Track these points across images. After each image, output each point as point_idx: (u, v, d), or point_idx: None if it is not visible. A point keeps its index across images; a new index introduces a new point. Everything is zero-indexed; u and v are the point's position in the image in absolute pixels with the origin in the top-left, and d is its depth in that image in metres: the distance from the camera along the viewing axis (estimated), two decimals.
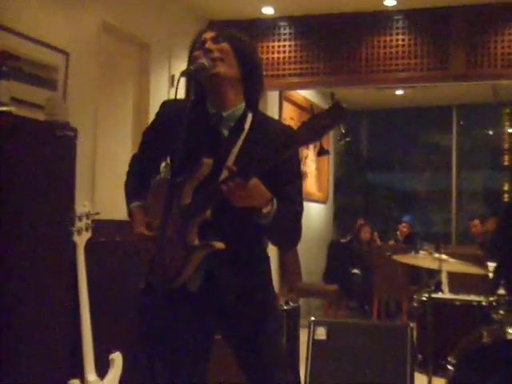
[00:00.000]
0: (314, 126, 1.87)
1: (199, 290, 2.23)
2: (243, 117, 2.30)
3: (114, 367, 3.75)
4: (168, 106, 2.43)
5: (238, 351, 2.38)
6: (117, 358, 3.77)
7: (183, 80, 2.25)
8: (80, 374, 3.61)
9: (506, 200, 10.59)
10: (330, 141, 10.24)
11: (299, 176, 2.35)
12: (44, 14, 4.54)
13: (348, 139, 1.94)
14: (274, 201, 2.11)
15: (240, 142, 2.25)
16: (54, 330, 3.67)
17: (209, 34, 2.31)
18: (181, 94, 2.20)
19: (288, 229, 2.25)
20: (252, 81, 2.33)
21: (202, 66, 2.21)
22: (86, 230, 3.78)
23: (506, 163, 10.79)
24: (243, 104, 2.31)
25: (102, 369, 3.71)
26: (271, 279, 2.42)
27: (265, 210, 2.09)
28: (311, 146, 9.60)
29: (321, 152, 2.01)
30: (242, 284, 2.28)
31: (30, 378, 3.46)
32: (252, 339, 2.32)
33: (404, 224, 9.83)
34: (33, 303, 3.55)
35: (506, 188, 10.78)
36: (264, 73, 2.46)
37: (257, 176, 2.01)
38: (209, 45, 2.27)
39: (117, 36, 5.45)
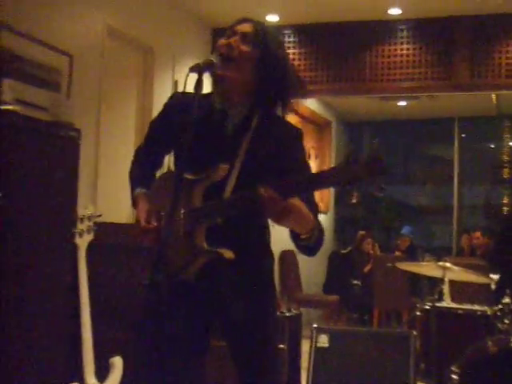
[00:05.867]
0: (351, 172, 1.80)
1: (196, 279, 2.17)
2: (249, 116, 2.25)
3: (114, 371, 3.69)
4: (177, 99, 2.40)
5: (233, 348, 2.33)
6: (117, 361, 3.72)
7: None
8: (80, 377, 3.55)
9: (505, 213, 10.57)
10: (331, 153, 10.23)
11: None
12: (49, 16, 4.53)
13: (383, 194, 1.87)
14: (316, 231, 2.04)
15: (246, 144, 2.20)
16: (54, 333, 3.63)
17: (243, 27, 2.26)
18: (190, 89, 2.17)
19: (319, 245, 2.16)
20: (267, 85, 2.25)
21: (210, 63, 2.17)
22: (88, 232, 3.74)
23: (505, 176, 10.77)
24: (251, 102, 2.27)
25: (102, 373, 3.66)
26: (273, 279, 2.36)
27: (303, 236, 2.04)
28: (312, 154, 9.58)
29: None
30: (241, 275, 2.23)
31: (30, 381, 3.41)
32: (247, 334, 2.27)
33: (404, 238, 9.78)
34: (33, 305, 3.51)
35: (505, 201, 10.75)
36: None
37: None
38: (234, 40, 2.22)
39: (121, 40, 5.44)
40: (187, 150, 2.01)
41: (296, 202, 1.94)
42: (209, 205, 2.13)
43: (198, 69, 2.15)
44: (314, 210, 2.12)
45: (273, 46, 2.27)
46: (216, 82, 2.23)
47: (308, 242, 2.05)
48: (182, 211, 2.12)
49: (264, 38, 2.25)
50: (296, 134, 2.31)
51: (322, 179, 1.88)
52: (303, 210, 1.96)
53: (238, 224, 2.14)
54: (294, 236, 2.08)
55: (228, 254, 2.10)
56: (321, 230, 2.08)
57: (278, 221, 1.95)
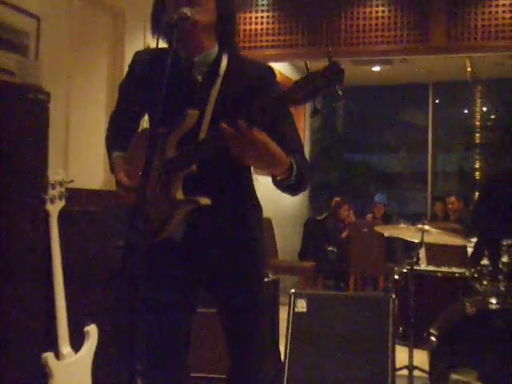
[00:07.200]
0: (309, 85, 1.77)
1: (182, 239, 2.14)
2: (217, 61, 2.20)
3: (88, 340, 3.62)
4: (141, 56, 2.33)
5: (221, 306, 2.30)
6: (92, 330, 3.65)
7: None
8: (54, 346, 3.48)
9: (477, 177, 10.61)
10: (305, 119, 10.16)
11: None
12: None
13: (344, 100, 1.83)
14: (294, 169, 1.98)
15: (217, 88, 2.15)
16: (26, 302, 3.54)
17: None
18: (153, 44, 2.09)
19: (303, 182, 2.08)
20: (227, 24, 2.23)
21: (185, 15, 2.07)
22: (60, 198, 3.63)
23: (477, 141, 10.79)
24: (216, 47, 2.22)
25: (77, 341, 3.59)
26: (259, 227, 2.31)
27: (279, 178, 1.98)
28: None
29: (314, 112, 1.90)
30: (227, 232, 2.20)
31: (2, 351, 3.33)
32: (236, 293, 2.24)
33: (378, 205, 9.78)
34: (3, 274, 3.41)
35: (477, 166, 10.76)
36: (241, 44, 2.36)
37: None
38: None
39: (90, 2, 5.28)
40: (159, 104, 1.93)
41: (262, 136, 1.85)
42: (179, 153, 2.07)
43: (173, 23, 2.07)
44: (295, 146, 2.10)
45: None
46: (185, 31, 2.13)
47: (288, 182, 1.99)
48: (157, 165, 2.05)
49: None
50: (267, 71, 2.25)
51: (283, 98, 1.82)
52: (271, 147, 1.87)
53: (214, 171, 2.09)
54: (273, 178, 2.02)
55: (204, 200, 2.06)
56: (301, 169, 2.01)
57: (245, 157, 1.87)
